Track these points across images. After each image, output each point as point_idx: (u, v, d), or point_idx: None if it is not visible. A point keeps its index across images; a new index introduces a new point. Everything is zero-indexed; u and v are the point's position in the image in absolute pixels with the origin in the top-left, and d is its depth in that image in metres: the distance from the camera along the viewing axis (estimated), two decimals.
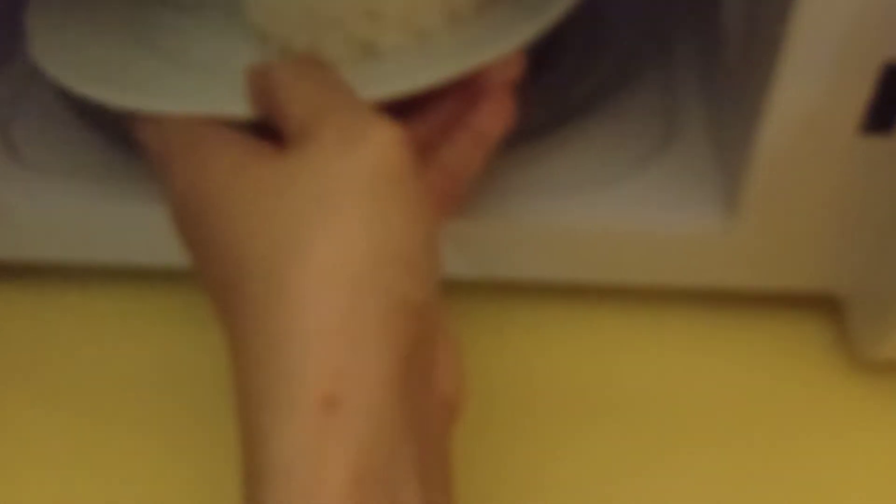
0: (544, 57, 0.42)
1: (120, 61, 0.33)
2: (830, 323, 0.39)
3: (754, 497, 0.35)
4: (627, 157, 0.37)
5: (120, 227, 0.37)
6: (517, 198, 0.36)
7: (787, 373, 0.38)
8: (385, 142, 0.24)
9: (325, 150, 0.24)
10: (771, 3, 0.29)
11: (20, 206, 0.37)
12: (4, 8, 0.38)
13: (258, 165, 0.25)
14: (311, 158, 0.24)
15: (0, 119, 0.40)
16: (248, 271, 0.23)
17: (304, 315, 0.22)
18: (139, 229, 0.37)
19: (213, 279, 0.25)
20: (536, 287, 0.39)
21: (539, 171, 0.37)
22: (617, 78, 0.39)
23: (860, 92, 0.29)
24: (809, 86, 0.29)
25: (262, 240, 0.23)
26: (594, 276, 0.38)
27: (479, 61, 0.29)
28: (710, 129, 0.38)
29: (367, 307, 0.22)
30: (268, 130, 0.27)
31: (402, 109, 0.28)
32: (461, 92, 0.30)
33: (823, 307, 0.39)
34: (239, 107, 0.28)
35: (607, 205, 0.36)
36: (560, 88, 0.40)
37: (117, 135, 0.36)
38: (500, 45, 0.29)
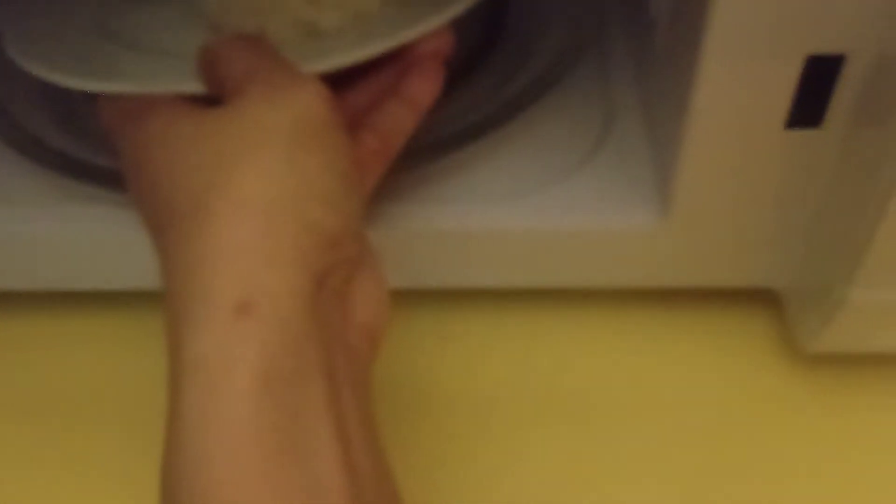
0: (478, 60, 0.41)
1: (85, 51, 0.36)
2: (774, 317, 0.39)
3: (706, 489, 0.35)
4: (564, 158, 0.37)
5: (66, 253, 0.37)
6: (454, 205, 0.36)
7: (733, 368, 0.38)
8: (309, 96, 0.27)
9: (253, 102, 0.27)
10: None
11: None
12: None
13: (191, 118, 0.27)
14: (241, 110, 0.27)
15: None
16: (179, 209, 0.25)
17: (222, 234, 0.24)
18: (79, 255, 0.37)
19: (156, 226, 0.27)
20: (479, 294, 0.39)
21: (474, 176, 0.37)
22: (550, 75, 0.39)
23: (786, 86, 0.28)
24: (733, 81, 0.28)
25: (192, 180, 0.26)
26: (536, 280, 0.38)
27: (409, 37, 0.32)
28: (645, 126, 0.37)
29: (282, 230, 0.24)
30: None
31: (342, 81, 0.32)
32: (394, 63, 0.33)
33: (767, 302, 0.39)
34: (190, 84, 0.30)
35: (542, 209, 0.35)
36: (494, 88, 0.39)
37: (60, 165, 0.37)
38: (427, 22, 0.32)
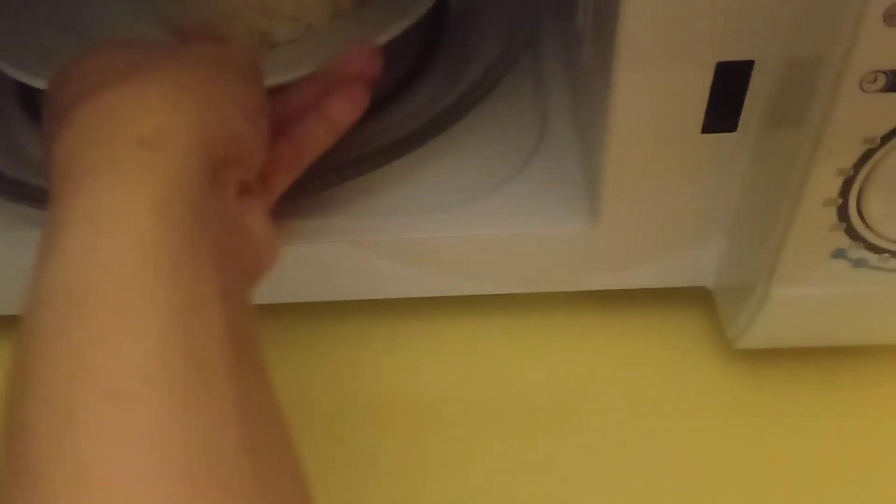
0: (417, 71, 0.42)
1: (45, 47, 0.38)
2: (709, 316, 0.40)
3: (643, 483, 0.36)
4: (500, 166, 0.38)
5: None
6: (390, 216, 0.36)
7: (669, 366, 0.39)
8: (242, 51, 0.29)
9: (191, 42, 0.30)
10: (609, 4, 0.30)
11: None
12: None
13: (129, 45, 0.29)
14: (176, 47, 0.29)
15: None
16: (93, 87, 0.25)
17: (130, 93, 0.25)
18: None
19: (61, 113, 0.26)
20: (416, 302, 0.39)
21: (411, 187, 0.37)
22: (486, 82, 0.39)
23: (700, 93, 0.29)
24: (649, 89, 0.29)
25: (115, 64, 0.27)
26: (473, 287, 0.38)
27: (329, 61, 0.34)
28: (578, 133, 0.38)
29: (188, 98, 0.25)
30: None
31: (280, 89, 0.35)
32: (323, 79, 0.34)
33: (703, 301, 0.39)
34: None
35: (478, 217, 0.36)
36: (432, 98, 0.40)
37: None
38: (373, 38, 0.34)
